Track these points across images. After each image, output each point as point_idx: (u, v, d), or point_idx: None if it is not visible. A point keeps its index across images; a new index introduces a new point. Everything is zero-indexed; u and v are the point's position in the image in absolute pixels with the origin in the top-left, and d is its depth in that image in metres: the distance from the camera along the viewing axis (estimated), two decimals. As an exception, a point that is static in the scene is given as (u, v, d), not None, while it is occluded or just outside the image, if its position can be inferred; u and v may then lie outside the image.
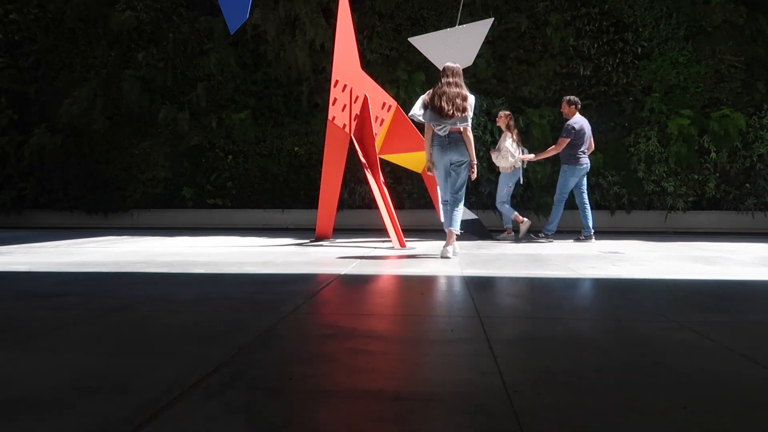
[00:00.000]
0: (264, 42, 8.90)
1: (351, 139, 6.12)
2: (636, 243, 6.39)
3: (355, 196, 8.86)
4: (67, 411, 1.36)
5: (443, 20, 8.45)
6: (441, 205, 5.07)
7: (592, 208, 6.83)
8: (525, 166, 7.19)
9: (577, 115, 6.63)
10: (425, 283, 3.49)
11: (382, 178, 6.16)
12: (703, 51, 8.22)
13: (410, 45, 7.14)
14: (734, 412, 1.38)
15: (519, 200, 8.41)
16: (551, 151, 6.79)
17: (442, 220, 6.51)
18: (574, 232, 7.31)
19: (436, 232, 7.86)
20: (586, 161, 6.61)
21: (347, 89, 6.05)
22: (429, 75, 8.26)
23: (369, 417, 1.35)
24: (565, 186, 6.64)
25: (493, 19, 6.88)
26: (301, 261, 4.57)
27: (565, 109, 6.69)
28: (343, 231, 7.89)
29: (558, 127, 8.28)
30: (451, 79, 4.78)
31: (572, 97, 6.71)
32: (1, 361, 1.79)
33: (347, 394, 1.50)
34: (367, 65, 7.87)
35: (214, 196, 9.20)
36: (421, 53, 7.02)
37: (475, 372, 1.67)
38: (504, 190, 6.88)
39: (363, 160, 6.04)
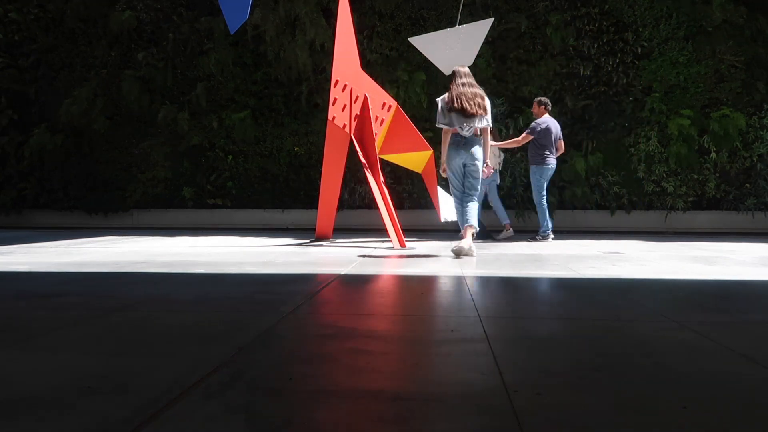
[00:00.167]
0: (264, 42, 8.90)
1: (351, 139, 6.12)
2: (636, 243, 6.39)
3: (355, 196, 8.86)
4: (67, 411, 1.36)
5: (443, 20, 8.45)
6: (456, 205, 5.06)
7: (551, 210, 6.95)
8: (501, 168, 7.39)
9: (546, 115, 6.80)
10: (425, 283, 3.49)
11: (382, 178, 6.16)
12: (703, 51, 8.22)
13: (410, 45, 7.14)
14: (734, 412, 1.38)
15: (519, 200, 8.43)
16: (512, 143, 6.99)
17: (442, 219, 6.54)
18: (574, 232, 7.33)
19: (436, 232, 7.87)
20: (552, 162, 6.76)
21: (347, 89, 6.05)
22: (429, 75, 8.27)
23: (369, 417, 1.35)
24: (539, 187, 6.79)
25: (493, 19, 6.88)
26: (301, 261, 4.57)
27: (535, 108, 6.89)
28: (343, 231, 7.89)
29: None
30: (465, 80, 4.86)
31: (543, 98, 6.93)
32: (1, 361, 1.79)
33: (347, 394, 1.50)
34: (367, 65, 7.87)
35: (214, 196, 9.20)
36: (421, 53, 7.02)
37: (475, 372, 1.67)
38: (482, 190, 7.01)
39: (363, 160, 6.04)
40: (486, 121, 4.84)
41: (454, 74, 4.96)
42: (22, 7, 9.53)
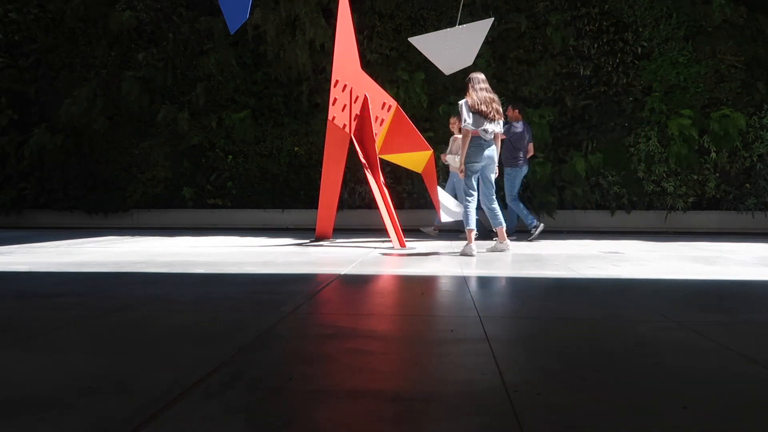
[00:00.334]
0: (264, 42, 8.90)
1: (351, 139, 6.12)
2: (636, 243, 6.39)
3: (355, 196, 8.85)
4: (67, 411, 1.36)
5: (443, 20, 8.45)
6: (465, 205, 5.27)
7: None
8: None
9: (521, 120, 7.05)
10: (425, 283, 3.50)
11: (382, 178, 6.16)
12: (703, 51, 8.21)
13: (410, 45, 7.13)
14: (734, 412, 1.38)
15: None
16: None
17: (442, 220, 6.54)
18: (574, 232, 7.33)
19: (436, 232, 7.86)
20: (525, 165, 7.07)
21: (347, 89, 6.05)
22: (429, 75, 8.27)
23: (369, 417, 1.35)
24: (512, 188, 7.01)
25: (493, 19, 6.86)
26: (301, 261, 4.57)
27: (509, 112, 7.04)
28: (343, 231, 7.89)
29: (558, 126, 8.31)
30: (483, 85, 5.16)
31: (519, 104, 7.26)
32: (1, 361, 1.79)
33: (347, 394, 1.50)
34: (367, 65, 7.87)
35: (214, 196, 9.20)
36: (421, 53, 7.01)
37: (475, 372, 1.67)
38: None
39: (363, 160, 6.04)
40: (501, 126, 5.18)
41: (470, 79, 5.18)
42: (22, 7, 9.53)
